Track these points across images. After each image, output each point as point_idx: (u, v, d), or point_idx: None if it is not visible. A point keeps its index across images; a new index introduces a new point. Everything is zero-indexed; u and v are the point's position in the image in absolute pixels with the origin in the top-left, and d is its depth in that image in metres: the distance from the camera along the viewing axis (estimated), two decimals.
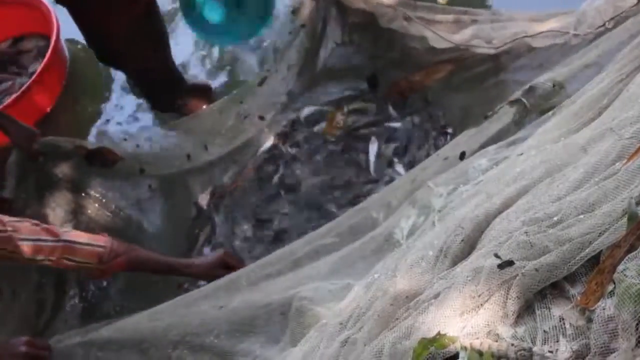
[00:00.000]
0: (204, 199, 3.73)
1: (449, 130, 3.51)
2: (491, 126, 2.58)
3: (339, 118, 3.68)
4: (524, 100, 2.49)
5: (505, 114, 2.55)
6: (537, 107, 2.45)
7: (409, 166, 3.39)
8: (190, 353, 2.61)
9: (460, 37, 3.18)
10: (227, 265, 2.96)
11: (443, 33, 3.21)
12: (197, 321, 2.63)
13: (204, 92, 4.29)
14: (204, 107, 4.02)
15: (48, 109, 4.78)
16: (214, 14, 3.60)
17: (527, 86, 2.53)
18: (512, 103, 2.55)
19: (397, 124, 3.63)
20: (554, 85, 2.45)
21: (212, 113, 3.79)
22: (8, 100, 4.53)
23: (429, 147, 3.50)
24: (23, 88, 4.54)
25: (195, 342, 2.61)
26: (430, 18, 3.29)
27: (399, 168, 3.45)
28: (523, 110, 2.49)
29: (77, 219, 3.48)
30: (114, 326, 2.79)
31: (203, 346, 2.59)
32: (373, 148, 3.56)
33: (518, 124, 2.47)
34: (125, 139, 3.70)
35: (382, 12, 3.42)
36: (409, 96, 3.66)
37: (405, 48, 3.49)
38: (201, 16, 3.60)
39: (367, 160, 3.55)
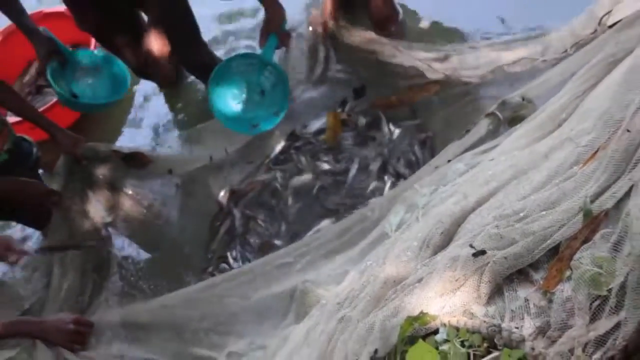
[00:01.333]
0: (224, 197, 3.72)
1: (429, 134, 3.48)
2: (471, 137, 2.58)
3: (336, 122, 3.63)
4: (497, 113, 2.50)
5: (482, 126, 2.56)
6: (509, 119, 2.45)
7: (395, 176, 3.40)
8: (219, 337, 2.62)
9: (448, 65, 3.15)
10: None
11: (435, 66, 3.17)
12: (228, 312, 2.63)
13: None
14: None
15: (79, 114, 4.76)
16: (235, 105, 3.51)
17: (500, 101, 2.53)
18: (487, 115, 2.55)
19: (383, 139, 3.60)
20: (523, 99, 2.45)
21: None
22: (48, 104, 4.53)
23: (412, 155, 3.49)
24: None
25: (224, 329, 2.61)
26: (424, 57, 3.25)
27: (387, 181, 3.43)
28: (497, 122, 2.49)
29: (115, 212, 3.49)
30: (152, 310, 2.78)
31: (231, 332, 2.60)
32: (354, 168, 3.53)
33: (493, 133, 2.47)
34: (156, 144, 3.70)
35: (382, 50, 3.39)
36: (398, 108, 3.62)
37: (397, 74, 3.45)
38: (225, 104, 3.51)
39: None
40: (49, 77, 3.25)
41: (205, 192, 3.73)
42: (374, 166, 3.43)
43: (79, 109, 3.47)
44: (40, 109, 4.20)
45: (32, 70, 5.23)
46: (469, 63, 3.10)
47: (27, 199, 3.14)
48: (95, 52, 3.70)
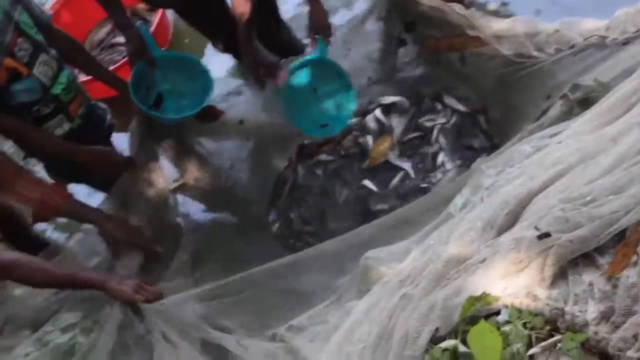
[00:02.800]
0: (292, 153, 3.73)
1: (482, 106, 3.47)
2: (545, 119, 2.55)
3: (383, 147, 3.56)
4: (569, 94, 2.46)
5: (555, 108, 2.52)
6: (580, 101, 2.41)
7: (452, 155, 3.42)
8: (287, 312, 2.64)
9: (520, 47, 3.07)
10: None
11: (506, 47, 3.10)
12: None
13: None
14: None
15: None
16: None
17: (572, 83, 2.48)
18: (561, 97, 2.51)
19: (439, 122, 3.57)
20: (595, 82, 2.41)
21: None
22: (118, 63, 4.68)
23: (470, 132, 3.49)
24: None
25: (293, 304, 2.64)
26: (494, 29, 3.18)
27: (448, 165, 3.42)
28: (569, 104, 2.45)
29: (185, 174, 3.55)
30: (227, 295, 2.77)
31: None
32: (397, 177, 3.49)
33: (564, 115, 2.43)
34: (229, 93, 3.71)
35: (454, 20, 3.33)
36: (445, 54, 3.52)
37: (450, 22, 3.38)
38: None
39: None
40: (130, 82, 3.25)
41: (275, 148, 3.76)
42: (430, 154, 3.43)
43: (160, 120, 3.48)
44: (111, 68, 4.30)
45: (105, 28, 5.34)
46: (538, 37, 3.03)
47: (103, 169, 3.19)
48: (185, 54, 3.70)
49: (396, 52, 3.70)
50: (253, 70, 3.58)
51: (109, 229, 2.93)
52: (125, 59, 4.58)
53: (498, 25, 3.12)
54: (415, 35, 3.62)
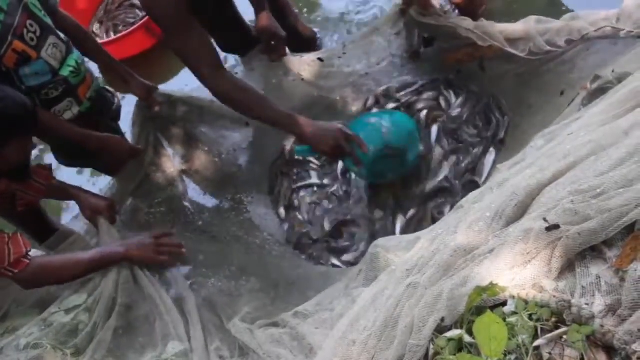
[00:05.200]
0: (288, 144, 3.76)
1: (501, 103, 3.45)
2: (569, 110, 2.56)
3: None
4: (589, 86, 2.46)
5: (578, 99, 2.53)
6: (595, 92, 2.41)
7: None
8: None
9: (533, 46, 3.05)
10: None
11: (520, 48, 3.09)
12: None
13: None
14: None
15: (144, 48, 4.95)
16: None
17: (593, 76, 2.48)
18: (582, 89, 2.51)
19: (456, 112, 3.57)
20: (613, 71, 2.40)
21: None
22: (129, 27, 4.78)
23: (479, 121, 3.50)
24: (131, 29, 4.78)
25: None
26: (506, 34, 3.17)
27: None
28: (588, 96, 2.45)
29: (190, 155, 3.58)
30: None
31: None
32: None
33: (584, 106, 2.44)
34: None
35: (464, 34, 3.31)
36: (466, 64, 3.55)
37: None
38: None
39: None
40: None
41: (274, 140, 3.81)
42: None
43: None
44: (103, 41, 4.36)
45: None
46: (552, 38, 3.03)
47: (110, 155, 3.23)
48: None
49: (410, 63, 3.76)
50: (263, 37, 3.60)
51: (90, 200, 3.01)
52: (136, 25, 4.68)
53: (510, 28, 3.13)
54: (434, 49, 3.66)
